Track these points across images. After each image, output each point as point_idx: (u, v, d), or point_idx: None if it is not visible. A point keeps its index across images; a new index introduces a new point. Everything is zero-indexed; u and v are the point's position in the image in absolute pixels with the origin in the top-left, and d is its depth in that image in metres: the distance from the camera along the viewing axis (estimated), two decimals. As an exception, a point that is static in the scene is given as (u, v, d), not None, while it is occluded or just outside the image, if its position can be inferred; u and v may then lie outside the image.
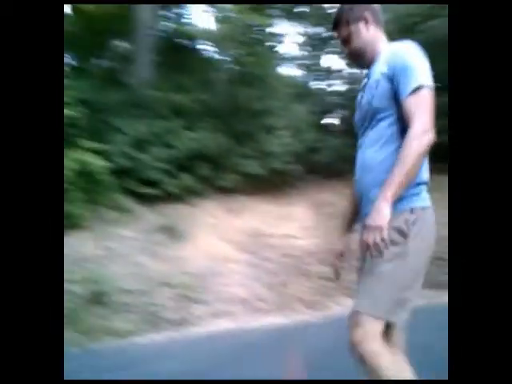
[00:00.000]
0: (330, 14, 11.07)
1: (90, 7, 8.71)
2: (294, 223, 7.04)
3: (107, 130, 7.34)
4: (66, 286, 5.14)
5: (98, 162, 6.41)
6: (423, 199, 1.72)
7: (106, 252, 5.74)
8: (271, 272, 6.15)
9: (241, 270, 6.14)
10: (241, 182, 7.45)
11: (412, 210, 1.67)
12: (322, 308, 5.57)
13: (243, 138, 8.04)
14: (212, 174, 7.34)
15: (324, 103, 9.97)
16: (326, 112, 10.03)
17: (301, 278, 5.93)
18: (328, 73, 10.63)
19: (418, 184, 1.70)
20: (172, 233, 6.35)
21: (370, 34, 1.84)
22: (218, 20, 9.28)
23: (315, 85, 10.81)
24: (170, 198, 6.88)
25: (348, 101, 9.81)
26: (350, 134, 7.74)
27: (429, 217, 1.72)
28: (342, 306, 5.54)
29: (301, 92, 9.67)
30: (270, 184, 7.82)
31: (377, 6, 1.90)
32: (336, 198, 7.97)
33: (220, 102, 8.36)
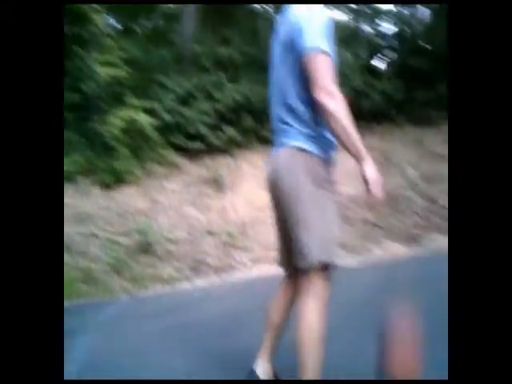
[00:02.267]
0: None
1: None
2: (338, 169, 6.65)
3: (153, 87, 7.26)
4: (114, 237, 5.27)
5: (144, 119, 6.38)
6: None
7: (155, 205, 5.77)
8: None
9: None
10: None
11: None
12: (364, 252, 5.30)
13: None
14: (256, 126, 7.08)
15: (371, 46, 9.22)
16: (374, 55, 9.28)
17: (343, 224, 5.65)
18: (375, 14, 9.75)
19: None
20: (216, 184, 6.26)
21: None
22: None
23: (362, 27, 10.00)
24: (215, 150, 6.75)
25: (397, 43, 9.02)
26: (399, 77, 7.17)
27: None
28: (384, 250, 5.25)
29: (347, 36, 9.01)
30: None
31: None
32: (384, 143, 7.46)
33: (264, 53, 7.97)
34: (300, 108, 1.62)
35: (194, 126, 6.83)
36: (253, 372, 1.91)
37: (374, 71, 9.08)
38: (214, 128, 6.92)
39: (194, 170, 6.49)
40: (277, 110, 1.73)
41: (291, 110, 1.65)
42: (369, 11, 9.77)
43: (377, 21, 9.86)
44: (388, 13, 9.83)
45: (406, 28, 9.19)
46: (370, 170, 1.56)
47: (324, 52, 1.51)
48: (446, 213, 5.88)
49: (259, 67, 7.76)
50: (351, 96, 7.78)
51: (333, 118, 1.51)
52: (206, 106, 7.03)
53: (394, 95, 7.92)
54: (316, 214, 1.61)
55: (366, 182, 1.57)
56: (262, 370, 1.90)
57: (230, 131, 6.90)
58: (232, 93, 7.16)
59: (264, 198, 6.47)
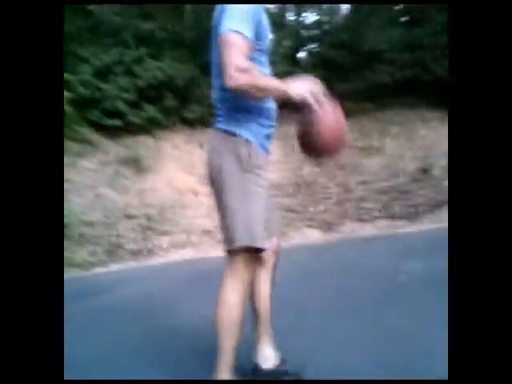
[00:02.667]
0: None
1: None
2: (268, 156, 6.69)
3: (70, 59, 6.71)
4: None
5: (58, 92, 5.88)
6: None
7: (68, 184, 5.37)
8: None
9: (205, 201, 5.87)
10: (207, 113, 6.97)
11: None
12: (286, 238, 5.41)
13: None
14: (178, 106, 6.86)
15: (297, 36, 9.33)
16: (299, 45, 9.40)
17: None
18: (303, 5, 9.85)
19: None
20: (136, 165, 5.99)
21: None
22: None
23: (289, 17, 10.06)
24: (135, 129, 6.44)
25: (322, 34, 9.20)
26: (322, 67, 7.30)
27: None
28: (304, 236, 5.39)
29: (274, 24, 9.00)
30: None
31: None
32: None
33: (188, 30, 7.71)
34: (228, 93, 1.54)
35: (112, 102, 6.45)
36: (256, 365, 1.86)
37: (296, 61, 9.22)
38: (134, 106, 6.59)
39: (112, 148, 6.15)
40: (212, 94, 1.71)
41: (221, 95, 1.63)
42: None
43: (302, 12, 9.96)
44: (314, 3, 9.98)
45: (329, 20, 9.40)
46: (296, 88, 1.54)
47: (236, 32, 1.44)
48: (359, 203, 6.17)
49: (183, 45, 7.52)
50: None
51: (251, 92, 1.47)
52: (125, 81, 6.66)
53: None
54: (240, 197, 1.58)
55: (301, 102, 1.55)
56: (263, 358, 1.86)
57: (151, 110, 6.62)
58: (153, 70, 6.85)
59: (185, 181, 6.36)
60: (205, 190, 6.03)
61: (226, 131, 1.62)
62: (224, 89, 1.50)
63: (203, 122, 7.10)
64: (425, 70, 7.94)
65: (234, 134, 1.60)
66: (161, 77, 6.83)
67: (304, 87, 1.55)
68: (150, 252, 5.16)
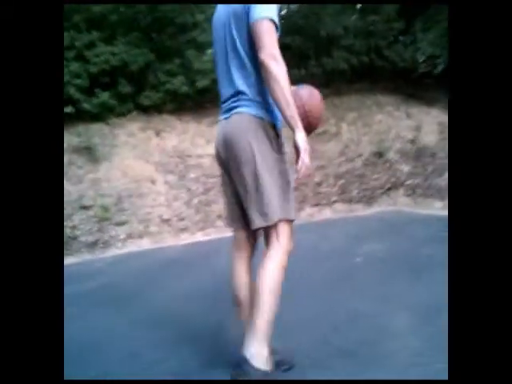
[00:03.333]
0: None
1: None
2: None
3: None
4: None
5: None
6: None
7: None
8: (193, 192, 5.79)
9: (162, 190, 5.72)
10: (164, 100, 6.79)
11: None
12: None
13: (168, 54, 7.25)
14: (133, 92, 6.62)
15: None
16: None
17: (222, 198, 5.63)
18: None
19: None
20: (90, 154, 5.75)
21: None
22: None
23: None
24: (88, 117, 6.16)
25: (278, 19, 9.08)
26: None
27: None
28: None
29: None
30: (195, 103, 7.23)
31: None
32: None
33: (142, 13, 7.42)
34: (253, 77, 1.69)
35: (64, 88, 6.14)
36: (243, 358, 1.61)
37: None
38: (87, 92, 6.30)
39: (65, 137, 5.86)
40: (230, 77, 1.76)
41: (248, 82, 1.72)
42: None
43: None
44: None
45: (286, 6, 9.29)
46: (303, 138, 1.63)
47: (270, 20, 1.59)
48: (317, 188, 6.18)
49: (137, 29, 7.24)
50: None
51: (275, 81, 1.57)
52: (77, 67, 6.35)
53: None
54: (275, 175, 1.69)
55: (297, 149, 1.64)
56: (254, 351, 1.63)
57: (105, 96, 6.35)
58: (106, 55, 6.56)
59: (142, 170, 6.15)
60: (162, 178, 5.88)
61: (254, 115, 1.70)
62: (250, 76, 1.68)
63: (159, 108, 6.91)
64: (379, 56, 8.02)
65: (261, 118, 1.70)
66: (114, 62, 6.56)
67: (307, 144, 1.68)
68: (107, 243, 4.98)
